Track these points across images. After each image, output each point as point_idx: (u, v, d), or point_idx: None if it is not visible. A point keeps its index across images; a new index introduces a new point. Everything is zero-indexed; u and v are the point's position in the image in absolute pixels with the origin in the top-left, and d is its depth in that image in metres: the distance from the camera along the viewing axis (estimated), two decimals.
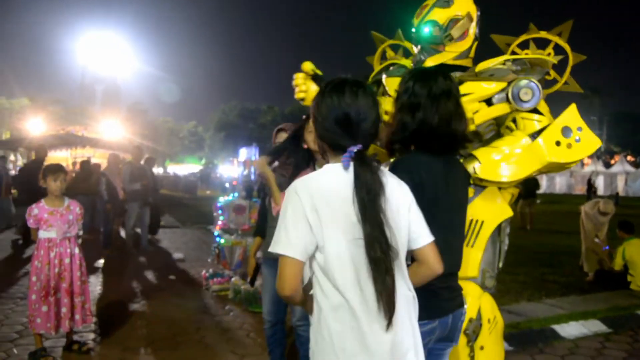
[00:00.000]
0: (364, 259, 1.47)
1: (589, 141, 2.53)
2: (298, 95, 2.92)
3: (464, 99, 2.53)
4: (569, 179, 36.24)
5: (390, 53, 3.34)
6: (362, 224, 1.46)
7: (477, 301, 2.45)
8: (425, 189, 1.80)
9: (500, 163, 2.48)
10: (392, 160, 2.02)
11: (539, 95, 2.56)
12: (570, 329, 4.62)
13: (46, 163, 4.38)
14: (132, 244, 8.75)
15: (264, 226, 3.18)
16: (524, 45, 2.90)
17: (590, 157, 36.35)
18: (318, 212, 1.48)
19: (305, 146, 2.87)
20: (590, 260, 6.89)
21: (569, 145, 2.49)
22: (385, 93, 2.87)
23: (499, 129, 2.77)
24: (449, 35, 2.63)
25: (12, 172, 15.91)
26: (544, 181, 34.93)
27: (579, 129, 2.52)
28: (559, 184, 36.68)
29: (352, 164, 1.51)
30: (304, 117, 2.98)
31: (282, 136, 3.21)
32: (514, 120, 2.66)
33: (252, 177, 7.52)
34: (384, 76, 2.91)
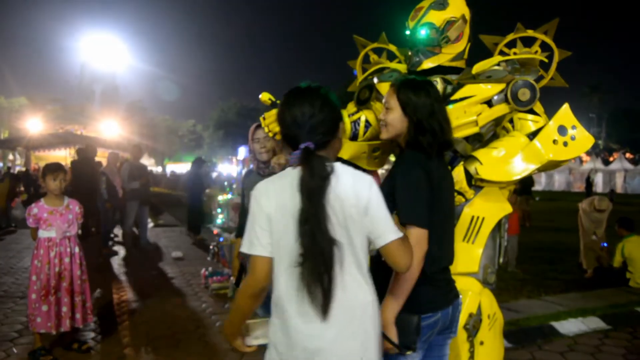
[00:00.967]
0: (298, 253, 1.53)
1: (584, 138, 2.60)
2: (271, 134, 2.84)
3: (467, 102, 2.55)
4: (568, 177, 36.26)
5: (373, 57, 3.35)
6: (299, 219, 1.52)
7: (477, 296, 2.47)
8: (432, 180, 1.85)
9: (500, 163, 2.52)
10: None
11: (537, 95, 2.61)
12: (569, 326, 4.64)
13: (44, 163, 4.36)
14: (132, 243, 8.76)
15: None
16: (510, 44, 2.94)
17: (589, 154, 36.47)
18: (274, 212, 1.59)
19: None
20: (589, 257, 6.91)
21: (565, 144, 2.57)
22: (379, 98, 2.87)
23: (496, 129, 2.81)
24: (445, 37, 2.66)
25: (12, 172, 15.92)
26: (542, 178, 35.01)
27: (573, 127, 2.59)
28: (558, 181, 36.70)
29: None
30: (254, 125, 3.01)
31: (260, 133, 3.14)
32: (511, 121, 2.71)
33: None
34: (375, 80, 2.91)
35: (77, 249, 3.93)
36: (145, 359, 3.86)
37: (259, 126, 3.14)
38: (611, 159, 43.01)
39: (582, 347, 4.25)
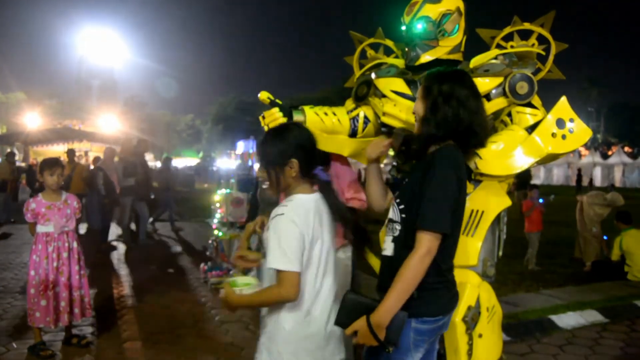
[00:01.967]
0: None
1: (582, 131, 2.61)
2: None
3: None
4: (567, 170, 36.26)
5: (370, 52, 3.34)
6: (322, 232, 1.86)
7: (476, 289, 2.48)
8: (463, 185, 1.84)
9: (500, 157, 2.53)
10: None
11: (534, 88, 2.61)
12: (567, 319, 4.65)
13: (43, 158, 4.34)
14: (130, 238, 8.75)
15: (256, 215, 3.20)
16: (507, 38, 2.94)
17: (588, 148, 36.51)
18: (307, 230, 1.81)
19: None
20: (588, 251, 6.92)
21: (564, 137, 2.58)
22: (377, 94, 2.86)
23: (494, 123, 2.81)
24: (442, 29, 2.66)
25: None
26: (541, 173, 35.01)
27: (571, 120, 2.60)
28: (557, 175, 36.71)
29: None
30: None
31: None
32: (509, 115, 2.72)
33: (254, 171, 7.49)
34: (373, 76, 2.91)
35: (75, 244, 3.92)
36: (145, 354, 3.86)
37: None
38: (610, 152, 43.02)
39: (580, 340, 4.26)
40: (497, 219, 2.71)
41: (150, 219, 9.96)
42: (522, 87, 2.60)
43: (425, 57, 2.72)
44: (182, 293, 5.59)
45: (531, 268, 6.78)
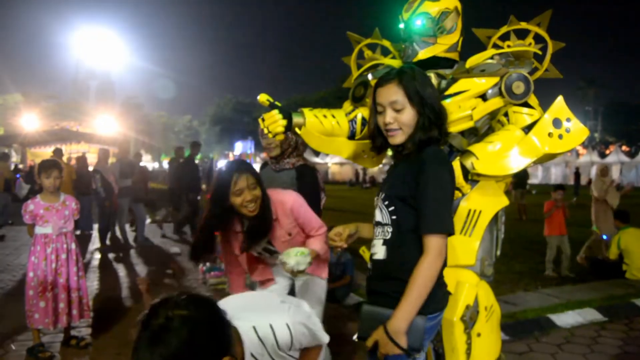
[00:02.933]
0: None
1: (579, 131, 2.61)
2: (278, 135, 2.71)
3: (461, 96, 2.55)
4: (565, 170, 36.36)
5: (368, 52, 3.35)
6: None
7: (474, 289, 2.48)
8: (454, 181, 1.86)
9: (496, 157, 2.53)
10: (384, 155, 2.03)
11: (531, 88, 2.61)
12: (566, 318, 4.66)
13: (40, 160, 4.32)
14: (128, 239, 8.74)
15: None
16: (504, 37, 2.94)
17: (586, 147, 36.57)
18: None
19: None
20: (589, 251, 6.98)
21: (561, 136, 2.57)
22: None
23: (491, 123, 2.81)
24: (441, 27, 2.67)
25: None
26: (539, 172, 35.11)
27: (568, 120, 2.60)
28: (555, 174, 36.80)
29: None
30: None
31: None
32: (506, 114, 2.72)
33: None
34: (370, 77, 2.91)
35: (73, 245, 3.92)
36: None
37: None
38: (607, 151, 43.13)
39: (578, 339, 4.27)
40: (495, 218, 2.71)
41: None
42: (519, 87, 2.61)
43: (423, 55, 2.72)
44: None
45: (547, 274, 6.47)
